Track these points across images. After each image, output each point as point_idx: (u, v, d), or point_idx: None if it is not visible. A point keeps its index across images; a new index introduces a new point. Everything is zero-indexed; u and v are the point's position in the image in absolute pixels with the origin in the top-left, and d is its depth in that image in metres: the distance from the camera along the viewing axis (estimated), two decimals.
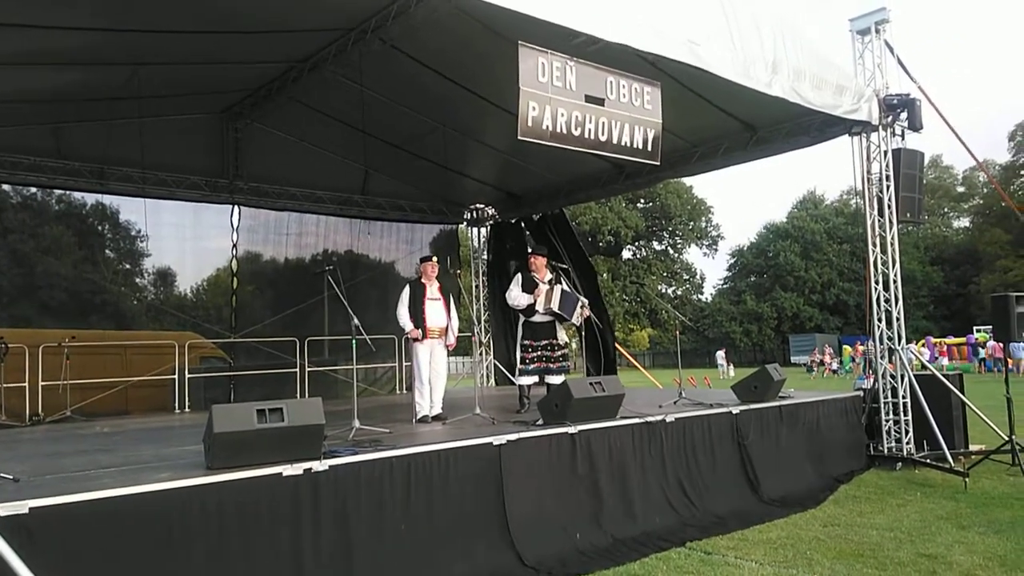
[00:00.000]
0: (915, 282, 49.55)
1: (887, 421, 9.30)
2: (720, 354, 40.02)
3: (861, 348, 36.12)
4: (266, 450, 4.66)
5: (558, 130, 6.29)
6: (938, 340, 37.46)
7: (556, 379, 7.79)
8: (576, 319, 7.83)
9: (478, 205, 14.90)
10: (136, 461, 5.34)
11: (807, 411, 8.45)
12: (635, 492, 6.27)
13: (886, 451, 9.24)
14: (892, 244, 9.39)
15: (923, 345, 32.81)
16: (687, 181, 57.40)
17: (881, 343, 9.41)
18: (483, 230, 15.20)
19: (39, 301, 11.18)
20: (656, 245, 59.69)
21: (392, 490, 4.96)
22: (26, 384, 10.00)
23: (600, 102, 6.61)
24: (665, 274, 58.76)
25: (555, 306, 7.65)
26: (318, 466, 4.70)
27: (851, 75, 9.19)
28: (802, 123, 9.89)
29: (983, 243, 50.58)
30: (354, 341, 6.35)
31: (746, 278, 57.01)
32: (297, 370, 12.44)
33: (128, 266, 12.72)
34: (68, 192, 11.47)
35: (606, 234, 53.34)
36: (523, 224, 14.45)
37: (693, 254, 61.39)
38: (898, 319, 9.35)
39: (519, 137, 6.10)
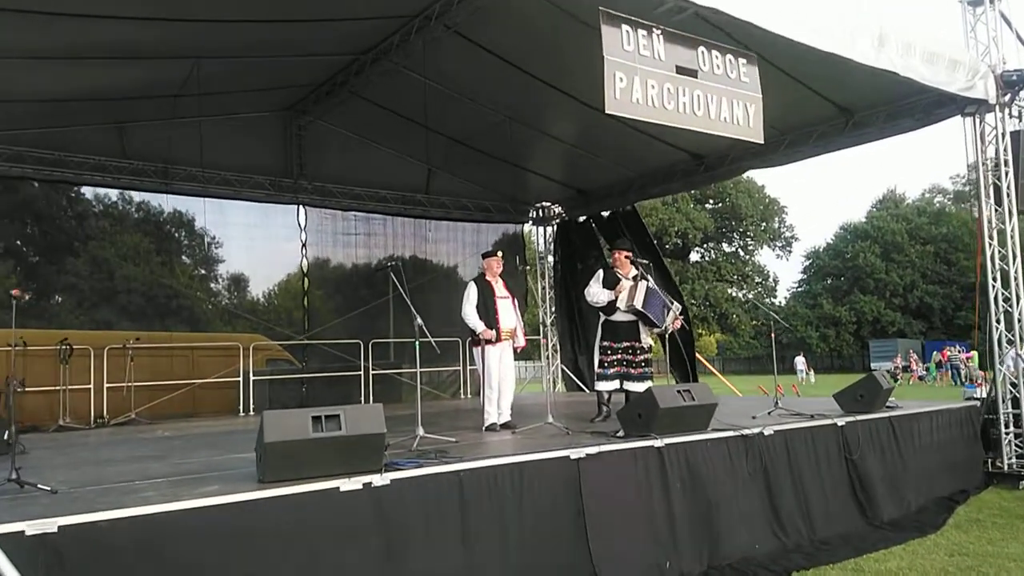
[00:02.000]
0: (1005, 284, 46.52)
1: (1007, 434, 8.30)
2: (799, 360, 38.30)
3: (948, 353, 34.13)
4: (322, 461, 4.18)
5: (649, 103, 5.65)
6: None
7: (637, 386, 7.11)
8: (668, 325, 7.13)
9: (544, 203, 14.34)
10: (186, 471, 4.95)
11: (920, 423, 7.55)
12: (732, 514, 5.56)
13: (1006, 468, 8.24)
14: (1012, 236, 8.38)
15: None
16: (759, 180, 55.70)
17: (999, 347, 8.40)
18: (549, 229, 14.62)
19: (118, 306, 11.24)
20: (726, 247, 57.82)
21: (460, 508, 4.42)
22: (91, 386, 9.89)
23: (693, 74, 5.94)
24: (736, 277, 56.84)
25: (638, 303, 6.98)
26: (379, 480, 4.20)
27: (964, 49, 8.25)
28: (905, 104, 8.99)
29: None
30: (417, 343, 5.85)
31: (822, 280, 54.64)
32: (361, 373, 12.11)
33: (203, 271, 12.91)
34: (146, 200, 11.59)
35: (673, 236, 51.93)
36: (592, 222, 13.80)
37: (765, 256, 59.19)
38: (1020, 320, 8.33)
39: (606, 111, 5.50)
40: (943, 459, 7.71)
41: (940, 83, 7.69)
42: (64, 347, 9.55)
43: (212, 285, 13.07)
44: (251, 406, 10.99)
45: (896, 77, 7.29)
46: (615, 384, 7.24)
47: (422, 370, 12.79)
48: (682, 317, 7.26)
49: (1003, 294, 8.43)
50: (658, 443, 5.45)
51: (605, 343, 7.24)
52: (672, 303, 7.28)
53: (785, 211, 58.27)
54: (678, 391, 5.83)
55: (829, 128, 9.95)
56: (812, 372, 36.60)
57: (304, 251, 12.28)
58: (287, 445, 4.06)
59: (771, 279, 59.21)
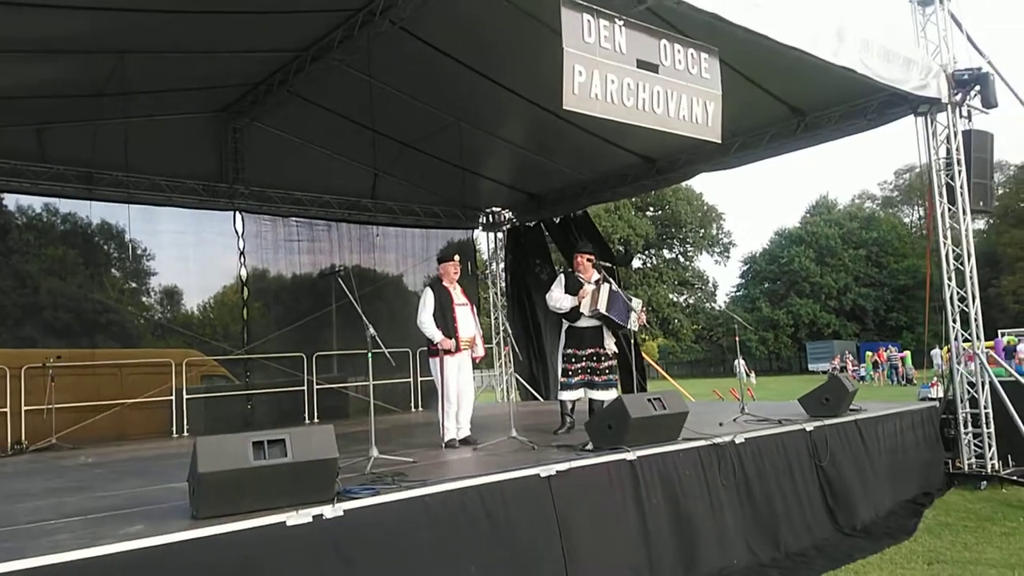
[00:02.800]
0: (934, 287, 48.21)
1: (966, 434, 8.28)
2: (739, 362, 38.69)
3: (884, 353, 35.09)
4: (266, 493, 3.70)
5: (608, 98, 5.33)
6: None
7: (603, 394, 6.79)
8: (632, 324, 6.84)
9: (494, 208, 13.97)
10: (108, 506, 4.38)
11: (884, 425, 7.44)
12: (707, 529, 5.26)
13: (966, 468, 8.22)
14: (967, 236, 8.39)
15: (948, 351, 31.58)
16: (697, 188, 56.63)
17: (956, 346, 8.40)
18: (499, 235, 14.26)
19: (43, 322, 10.41)
20: (667, 253, 58.60)
21: (425, 538, 3.99)
22: (6, 409, 9.06)
23: (654, 68, 5.66)
24: (676, 282, 57.61)
25: (603, 307, 6.66)
26: (331, 511, 3.74)
27: (916, 47, 8.25)
28: (858, 105, 8.95)
29: (1002, 244, 49.35)
30: (370, 355, 5.39)
31: (760, 285, 55.84)
32: (305, 388, 11.50)
33: (134, 284, 11.99)
34: (72, 212, 10.67)
35: (616, 243, 52.25)
36: (543, 227, 13.50)
37: (705, 262, 60.13)
38: (976, 319, 8.34)
39: (564, 106, 5.16)
40: (907, 461, 7.63)
41: (896, 81, 7.63)
42: None
43: (144, 299, 12.13)
44: (185, 426, 10.29)
45: (854, 75, 7.19)
46: (579, 393, 6.90)
47: (372, 383, 12.38)
48: (643, 313, 6.98)
49: (959, 293, 8.43)
50: (630, 456, 5.12)
51: (568, 350, 6.89)
52: (631, 300, 7.01)
53: (723, 218, 59.50)
54: (648, 400, 5.53)
55: (781, 130, 9.87)
56: (753, 374, 37.06)
57: (242, 260, 11.60)
58: (225, 475, 3.57)
59: (711, 284, 60.27)
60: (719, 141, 6.32)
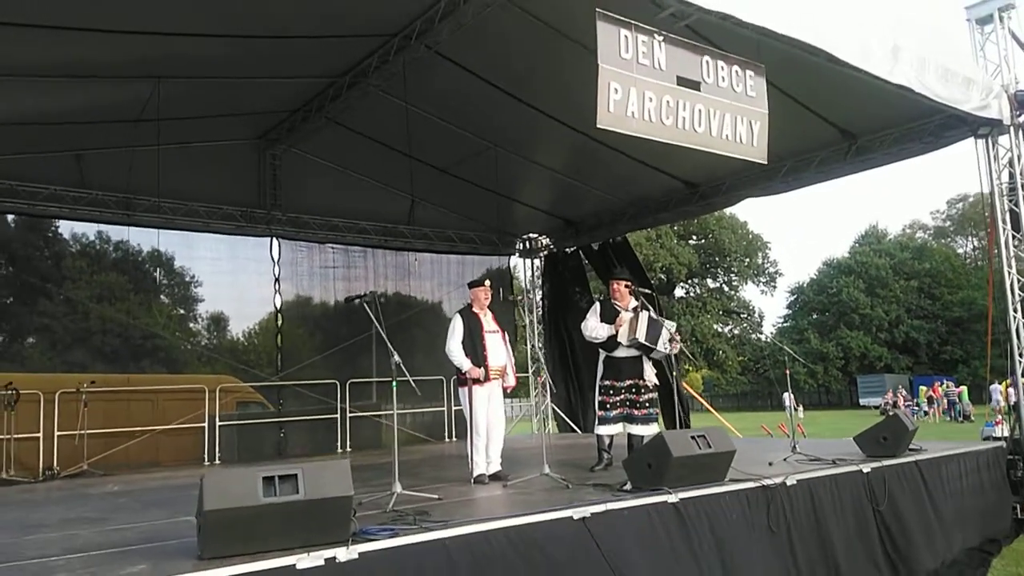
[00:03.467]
0: (994, 318, 46.50)
1: None
2: (787, 395, 37.62)
3: (940, 389, 33.66)
4: (276, 533, 3.46)
5: (646, 117, 5.07)
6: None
7: (642, 429, 6.43)
8: (663, 347, 6.47)
9: (531, 234, 13.72)
10: (119, 541, 4.19)
11: (947, 467, 6.90)
12: None
13: None
14: None
15: (1008, 385, 30.12)
16: (741, 216, 55.79)
17: (1020, 380, 7.83)
18: (537, 262, 14.00)
19: (93, 347, 10.56)
20: (711, 282, 57.61)
21: None
22: (39, 434, 9.04)
23: (695, 86, 5.39)
24: (721, 312, 56.51)
25: (641, 336, 6.32)
26: (345, 554, 3.47)
27: (975, 67, 7.83)
28: (913, 127, 8.55)
29: None
30: (394, 383, 5.14)
31: (808, 316, 54.38)
32: (338, 415, 11.32)
33: (181, 310, 12.19)
34: (124, 240, 10.85)
35: (658, 271, 51.55)
36: (582, 253, 13.21)
37: (750, 291, 58.84)
38: None
39: (598, 125, 4.91)
40: (972, 506, 7.04)
41: (955, 101, 7.23)
42: (9, 392, 8.71)
43: (190, 324, 12.34)
44: (217, 454, 10.17)
45: (910, 94, 6.81)
46: (618, 428, 6.55)
47: (402, 412, 12.17)
48: (678, 340, 6.61)
49: None
50: (672, 498, 4.76)
51: (606, 382, 6.56)
52: (667, 323, 6.64)
53: (768, 246, 58.37)
54: (692, 437, 5.15)
55: (831, 154, 9.47)
56: (801, 408, 35.89)
57: (277, 286, 11.54)
58: (232, 513, 3.34)
59: (757, 315, 59.00)
60: (765, 162, 5.99)
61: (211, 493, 3.34)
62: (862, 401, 44.85)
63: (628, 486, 5.12)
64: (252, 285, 11.58)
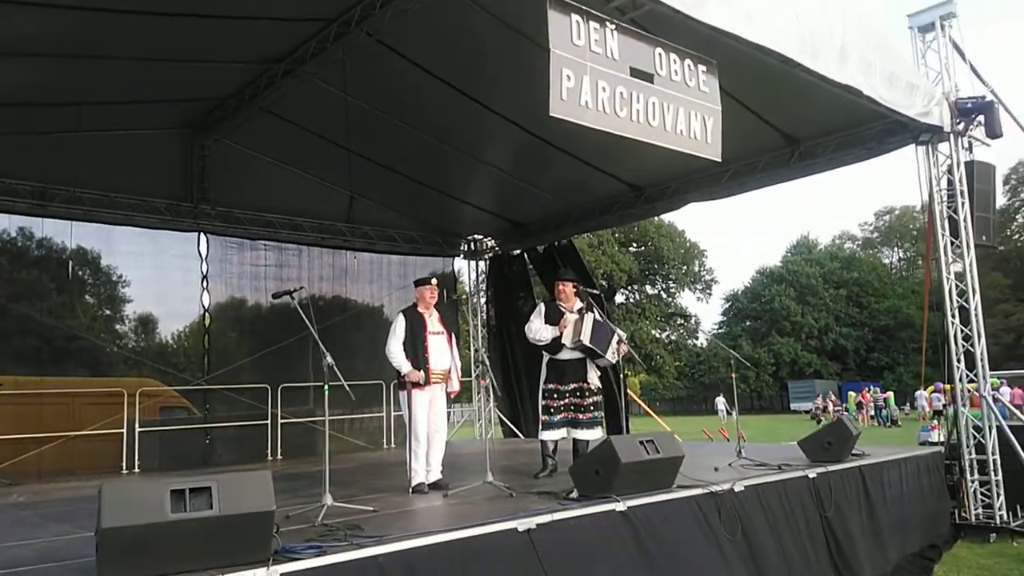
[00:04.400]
0: (914, 327, 48.38)
1: (972, 482, 7.77)
2: (720, 400, 38.47)
3: (869, 394, 34.73)
4: (186, 553, 3.07)
5: (599, 107, 4.84)
6: (948, 386, 35.95)
7: (587, 434, 6.21)
8: (611, 355, 6.28)
9: (476, 236, 13.46)
10: (7, 561, 3.71)
11: (889, 472, 6.90)
12: None
13: (973, 519, 7.68)
14: (971, 271, 7.98)
15: (932, 391, 31.31)
16: (679, 224, 56.76)
17: (961, 387, 7.92)
18: (481, 264, 13.72)
19: (11, 349, 9.73)
20: (649, 289, 58.38)
21: None
22: None
23: (649, 78, 5.19)
24: (659, 318, 57.29)
25: (586, 339, 6.10)
26: (264, 575, 3.11)
27: (919, 73, 7.91)
28: (856, 133, 8.59)
29: (982, 287, 49.52)
30: (326, 386, 4.78)
31: (741, 323, 55.70)
32: (269, 422, 10.77)
33: (108, 311, 11.46)
34: (48, 237, 10.06)
35: (599, 277, 51.94)
36: (527, 256, 12.99)
37: (687, 298, 59.91)
38: (983, 359, 7.88)
39: (551, 114, 4.65)
40: (913, 512, 7.08)
41: (900, 106, 7.25)
42: None
43: (117, 326, 11.59)
44: (136, 462, 9.52)
45: (856, 96, 6.80)
46: (562, 433, 6.31)
47: (337, 417, 11.69)
48: (624, 343, 6.42)
49: (963, 331, 7.98)
50: (620, 506, 4.53)
51: (550, 385, 6.31)
52: (615, 329, 6.46)
53: (705, 254, 59.51)
54: (640, 442, 4.96)
55: (775, 158, 9.48)
56: (734, 412, 36.52)
57: (206, 284, 10.93)
58: (135, 531, 2.94)
59: (693, 321, 60.01)
60: (719, 159, 5.84)
61: (111, 508, 2.93)
62: (793, 406, 46.00)
63: (574, 494, 4.88)
64: (179, 283, 10.92)
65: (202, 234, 10.82)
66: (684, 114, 5.38)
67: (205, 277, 10.90)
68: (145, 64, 8.06)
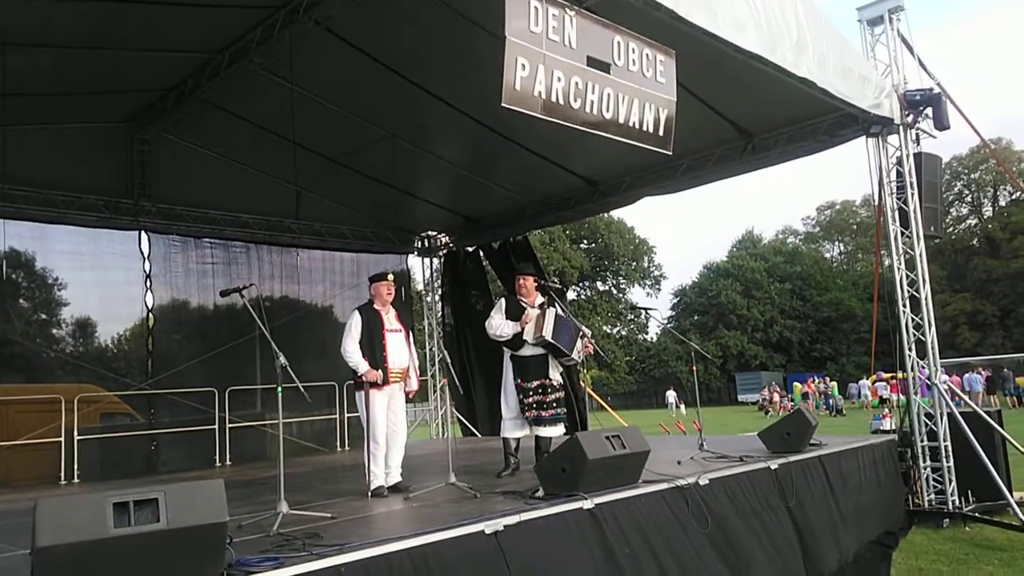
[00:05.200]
0: (856, 319, 49.83)
1: (924, 468, 7.92)
2: (671, 393, 38.96)
3: (814, 385, 35.60)
4: (131, 571, 2.83)
5: (553, 98, 4.72)
6: (889, 376, 37.10)
7: (550, 431, 6.10)
8: (577, 355, 6.18)
9: (430, 232, 13.24)
10: None
11: (847, 461, 6.97)
12: None
13: (926, 505, 7.83)
14: (922, 260, 8.12)
15: (875, 380, 32.23)
16: (628, 221, 57.33)
17: (911, 375, 8.06)
18: (436, 261, 13.51)
19: None
20: (600, 285, 58.80)
21: None
22: None
23: (605, 68, 5.09)
24: (610, 314, 57.75)
25: (548, 334, 5.98)
26: None
27: (869, 65, 8.01)
28: (808, 126, 8.68)
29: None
30: (279, 388, 4.55)
31: (690, 317, 56.55)
32: (216, 426, 10.37)
33: (44, 316, 10.87)
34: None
35: (552, 274, 52.10)
36: (481, 253, 12.83)
37: (637, 294, 60.49)
38: (933, 348, 8.03)
39: (504, 104, 4.51)
40: (871, 499, 7.16)
41: (852, 98, 7.34)
42: None
43: (53, 331, 10.97)
44: (75, 471, 9.06)
45: (811, 88, 6.85)
46: (525, 431, 6.18)
47: (289, 420, 11.35)
48: (591, 342, 6.32)
49: (914, 320, 8.12)
50: (588, 504, 4.42)
51: (513, 383, 6.17)
52: (580, 327, 6.35)
53: (654, 251, 60.20)
54: (607, 437, 4.86)
55: (727, 152, 9.53)
56: (683, 405, 37.06)
57: (148, 284, 10.45)
58: (73, 549, 2.69)
59: (643, 316, 60.64)
60: (670, 153, 5.79)
61: (46, 525, 2.68)
62: (740, 397, 46.93)
63: (540, 492, 4.75)
64: (119, 284, 10.42)
65: (143, 232, 10.36)
66: (639, 105, 5.30)
67: (148, 276, 10.44)
68: (81, 54, 7.67)
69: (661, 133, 5.70)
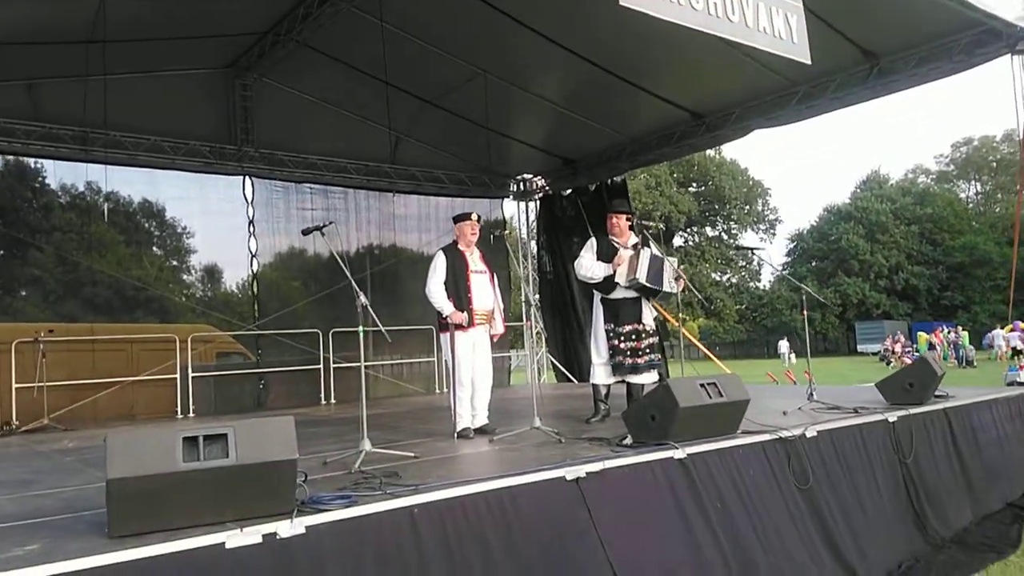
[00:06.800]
0: (991, 264, 45.96)
1: None
2: (783, 343, 37.41)
3: (942, 334, 33.22)
4: (202, 505, 2.82)
5: None
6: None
7: (643, 378, 5.82)
8: (668, 286, 5.80)
9: (525, 175, 12.96)
10: (31, 511, 3.56)
11: (978, 415, 6.32)
12: (778, 544, 4.25)
13: None
14: None
15: (1011, 330, 29.63)
16: (742, 162, 54.74)
17: None
18: (532, 205, 13.25)
19: (84, 299, 10.13)
20: (709, 231, 56.80)
21: (413, 563, 3.07)
22: None
23: None
24: (720, 261, 55.84)
25: (642, 276, 5.65)
26: (287, 529, 2.85)
27: None
28: (942, 45, 7.73)
29: None
30: (360, 329, 4.49)
31: (807, 263, 53.75)
32: (320, 366, 10.69)
33: (174, 262, 12.30)
34: (115, 191, 10.50)
35: (657, 220, 50.77)
36: (578, 196, 12.45)
37: (749, 239, 57.98)
38: None
39: (621, 2, 4.15)
40: (1004, 457, 6.48)
41: (996, 9, 6.45)
42: None
43: (183, 276, 12.39)
44: (191, 407, 9.58)
45: (940, 7, 6.02)
46: (615, 376, 5.92)
47: (393, 363, 11.58)
48: (683, 276, 5.92)
49: None
50: (678, 454, 4.15)
51: (603, 327, 5.90)
52: (670, 260, 5.94)
53: (769, 193, 57.48)
54: (701, 385, 4.53)
55: (850, 77, 8.66)
56: (794, 355, 35.50)
57: (252, 229, 10.79)
58: (143, 482, 2.70)
59: (755, 263, 58.26)
60: (808, 61, 5.30)
61: (117, 458, 2.69)
62: (860, 348, 44.54)
63: (628, 440, 4.51)
64: (225, 229, 10.84)
65: (247, 177, 10.64)
66: (766, 10, 4.84)
67: (251, 222, 10.75)
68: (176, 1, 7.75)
69: (795, 40, 5.23)
